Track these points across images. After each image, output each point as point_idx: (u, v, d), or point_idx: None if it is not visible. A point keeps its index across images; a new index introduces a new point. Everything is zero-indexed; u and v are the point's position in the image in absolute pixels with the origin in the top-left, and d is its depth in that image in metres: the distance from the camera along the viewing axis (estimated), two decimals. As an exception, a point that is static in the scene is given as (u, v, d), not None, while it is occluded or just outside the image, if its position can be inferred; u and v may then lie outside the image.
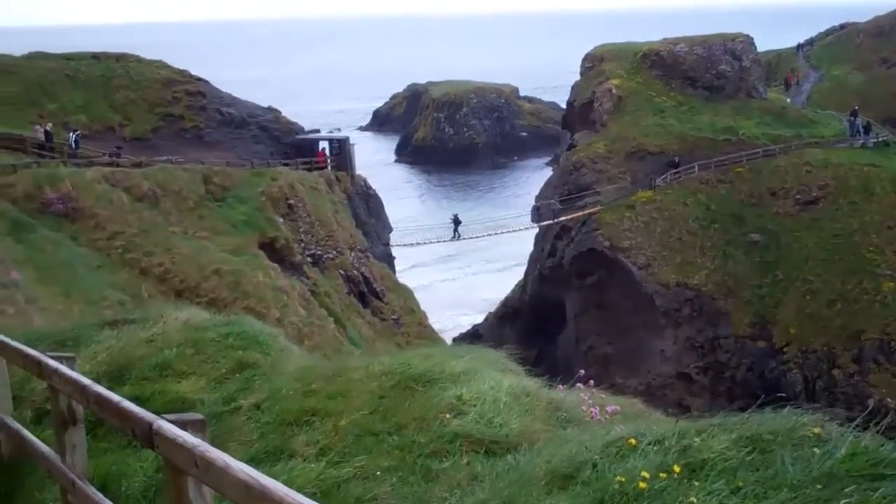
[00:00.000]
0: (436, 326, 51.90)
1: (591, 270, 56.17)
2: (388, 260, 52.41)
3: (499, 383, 6.53)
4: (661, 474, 3.85)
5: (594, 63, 69.08)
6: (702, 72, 65.33)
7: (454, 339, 58.59)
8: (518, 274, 70.27)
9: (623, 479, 4.01)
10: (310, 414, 6.58)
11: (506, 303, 67.10)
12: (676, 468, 3.84)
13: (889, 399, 46.56)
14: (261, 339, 8.93)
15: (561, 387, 7.09)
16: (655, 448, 4.10)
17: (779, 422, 4.47)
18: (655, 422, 5.92)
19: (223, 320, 9.68)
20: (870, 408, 47.24)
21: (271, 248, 39.63)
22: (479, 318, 69.39)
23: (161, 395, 7.47)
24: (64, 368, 4.72)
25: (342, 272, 43.71)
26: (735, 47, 65.98)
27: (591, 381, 7.23)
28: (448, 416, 6.08)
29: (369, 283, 45.29)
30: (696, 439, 4.06)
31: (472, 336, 66.97)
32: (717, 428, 4.17)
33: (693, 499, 3.76)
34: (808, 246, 54.11)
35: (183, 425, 3.42)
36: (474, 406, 6.17)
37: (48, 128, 40.94)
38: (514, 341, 62.87)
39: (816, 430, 4.57)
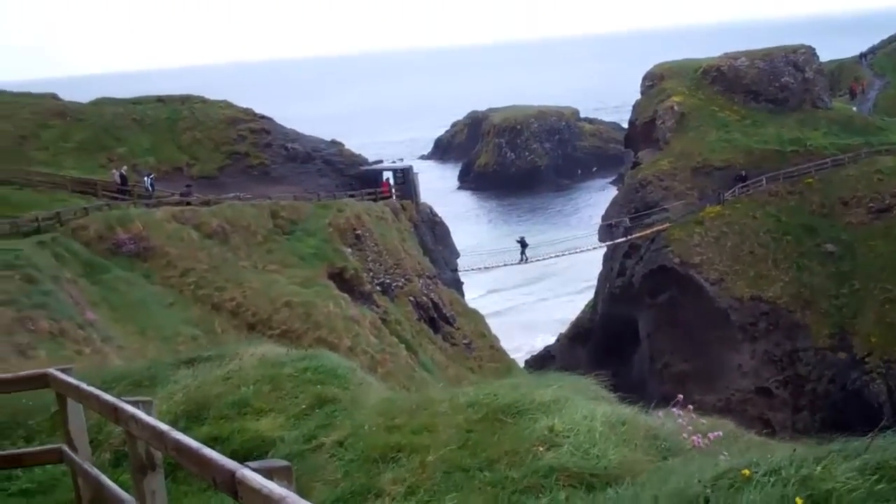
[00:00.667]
0: (508, 350, 51.54)
1: (663, 288, 55.39)
2: (457, 286, 52.30)
3: (592, 412, 6.24)
4: (784, 509, 3.57)
5: (655, 81, 68.51)
6: (765, 85, 64.37)
7: (526, 362, 58.13)
8: (588, 294, 69.63)
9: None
10: (395, 450, 6.37)
11: (577, 323, 66.44)
12: (799, 501, 3.55)
13: (979, 409, 44.95)
14: (339, 373, 8.76)
15: (659, 413, 6.77)
16: (772, 479, 3.81)
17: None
18: (766, 449, 5.57)
19: (300, 354, 9.55)
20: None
21: (340, 279, 39.78)
22: (551, 340, 68.82)
23: (240, 435, 7.35)
24: (141, 414, 4.62)
25: (412, 299, 43.70)
26: (797, 59, 64.99)
27: (690, 407, 6.91)
28: (541, 448, 5.80)
29: (439, 309, 45.19)
30: (816, 468, 3.75)
31: (544, 358, 66.46)
32: (837, 455, 3.87)
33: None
34: (884, 254, 52.77)
35: (268, 474, 3.25)
36: (568, 437, 5.88)
37: (123, 171, 41.91)
38: (587, 362, 62.31)
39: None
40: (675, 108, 62.75)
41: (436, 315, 45.14)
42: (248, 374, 8.89)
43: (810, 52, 65.59)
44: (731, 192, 56.72)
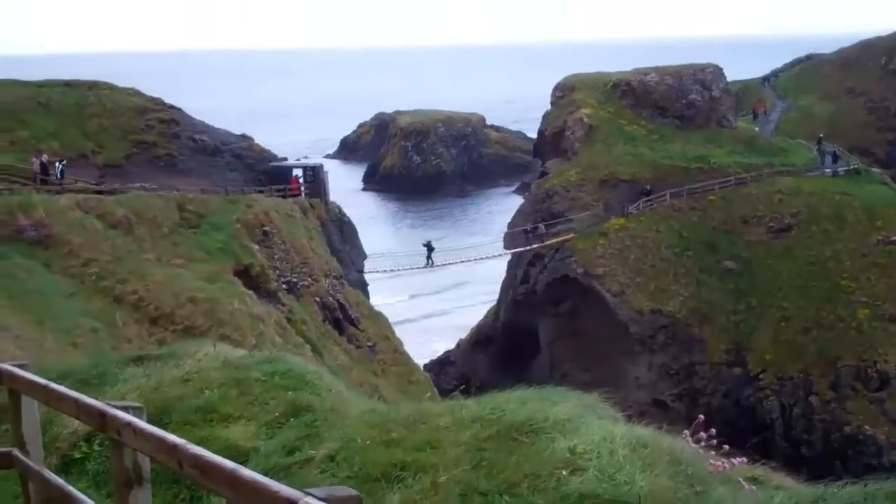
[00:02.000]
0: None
1: (565, 297, 55.98)
2: (363, 287, 51.74)
3: (611, 433, 5.93)
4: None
5: (565, 92, 69.28)
6: (672, 101, 65.77)
7: (424, 366, 57.92)
8: (486, 301, 69.94)
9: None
10: (398, 468, 5.84)
11: (478, 329, 66.63)
12: None
13: (867, 426, 46.64)
14: (308, 379, 8.28)
15: (686, 435, 6.51)
16: None
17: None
18: (791, 485, 5.34)
19: (264, 357, 9.01)
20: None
21: (246, 276, 38.81)
22: (450, 345, 68.86)
23: (209, 443, 6.75)
24: (141, 423, 4.15)
25: (317, 299, 42.98)
26: (705, 77, 66.57)
27: (713, 430, 6.71)
28: (564, 472, 5.44)
29: (345, 310, 44.57)
30: None
31: (443, 363, 66.52)
32: (883, 492, 3.69)
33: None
34: (782, 273, 54.31)
35: None
36: (591, 460, 5.55)
37: (44, 159, 40.02)
38: (487, 368, 62.62)
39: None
40: (585, 119, 63.52)
41: (341, 316, 44.50)
42: (210, 377, 8.32)
43: (718, 71, 67.32)
44: (635, 205, 57.67)
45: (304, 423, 7.14)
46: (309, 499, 2.91)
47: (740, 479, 4.60)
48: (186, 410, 7.67)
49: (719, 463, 6.05)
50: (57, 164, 40.59)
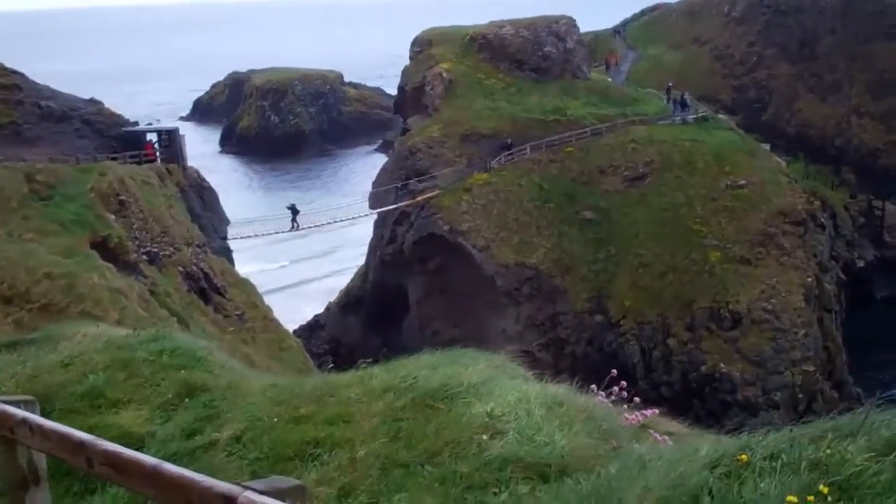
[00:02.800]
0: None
1: (432, 255, 56.21)
2: (227, 254, 50.64)
3: (525, 393, 5.87)
4: (808, 497, 3.39)
5: (423, 47, 69.04)
6: (528, 54, 66.35)
7: (294, 332, 57.33)
8: (354, 261, 69.69)
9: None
10: (312, 445, 5.65)
11: (347, 292, 66.32)
12: (824, 489, 3.40)
13: (722, 365, 48.85)
14: (199, 356, 7.92)
15: (595, 389, 6.51)
16: (776, 465, 3.65)
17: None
18: (678, 429, 5.40)
19: (149, 336, 8.53)
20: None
21: (104, 248, 37.34)
22: (319, 308, 68.38)
23: (100, 432, 6.27)
24: (39, 419, 3.84)
25: (181, 269, 41.78)
26: (559, 29, 67.34)
27: (624, 382, 6.77)
28: (484, 437, 5.33)
29: (209, 280, 43.52)
30: (823, 451, 3.62)
31: (313, 327, 66.04)
32: (831, 433, 3.77)
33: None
34: (638, 221, 55.94)
35: (280, 496, 2.65)
36: (509, 423, 5.49)
37: None
38: (359, 330, 62.51)
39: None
40: (444, 74, 63.48)
41: (206, 286, 43.44)
42: (93, 360, 7.84)
43: (571, 22, 68.18)
44: (497, 159, 58.19)
45: (202, 404, 6.83)
46: (249, 493, 2.70)
47: (651, 431, 4.67)
48: (70, 398, 7.22)
49: (632, 416, 6.16)
50: None
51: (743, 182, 55.70)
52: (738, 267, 52.04)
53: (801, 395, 48.31)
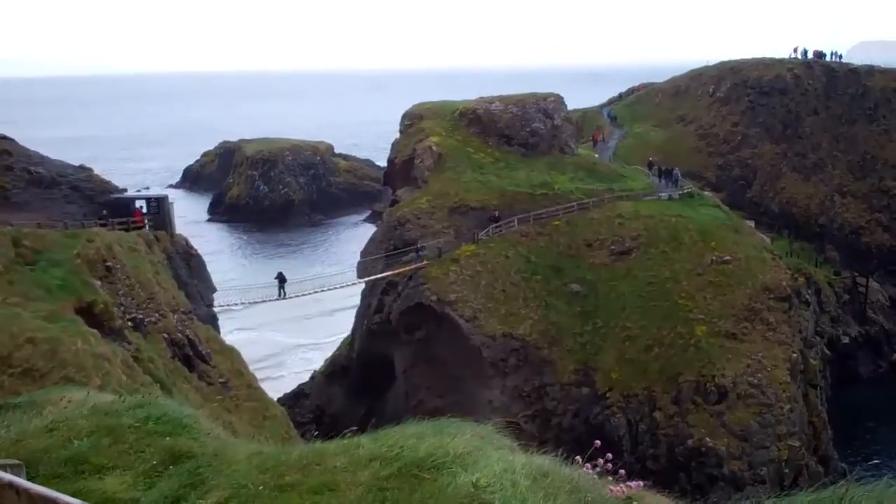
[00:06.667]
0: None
1: (419, 325, 56.15)
2: (213, 321, 50.43)
3: (511, 464, 5.89)
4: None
5: (413, 121, 69.97)
6: (517, 129, 67.38)
7: (279, 400, 56.89)
8: (338, 330, 69.56)
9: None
10: None
11: (333, 360, 66.04)
12: None
13: (708, 439, 48.59)
14: (185, 423, 7.88)
15: (580, 461, 6.51)
16: None
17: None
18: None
19: (135, 402, 8.50)
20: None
21: (89, 313, 37.14)
22: (304, 378, 68.03)
23: (83, 497, 6.23)
24: (24, 482, 3.85)
25: (166, 335, 41.57)
26: (547, 106, 68.52)
27: (609, 454, 6.78)
28: None
29: (194, 346, 43.28)
30: None
31: (298, 395, 65.57)
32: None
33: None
34: (625, 294, 56.15)
35: None
36: (494, 493, 5.48)
37: None
38: (343, 399, 62.09)
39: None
40: (434, 148, 64.27)
41: (191, 352, 43.19)
42: (77, 425, 7.79)
43: (559, 100, 69.42)
44: (485, 231, 58.60)
45: (187, 471, 6.78)
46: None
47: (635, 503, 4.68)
48: (54, 463, 7.16)
49: (617, 488, 6.16)
50: None
51: (728, 258, 56.12)
52: (723, 341, 52.13)
53: (786, 470, 48.02)
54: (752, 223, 66.54)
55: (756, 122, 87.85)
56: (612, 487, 6.19)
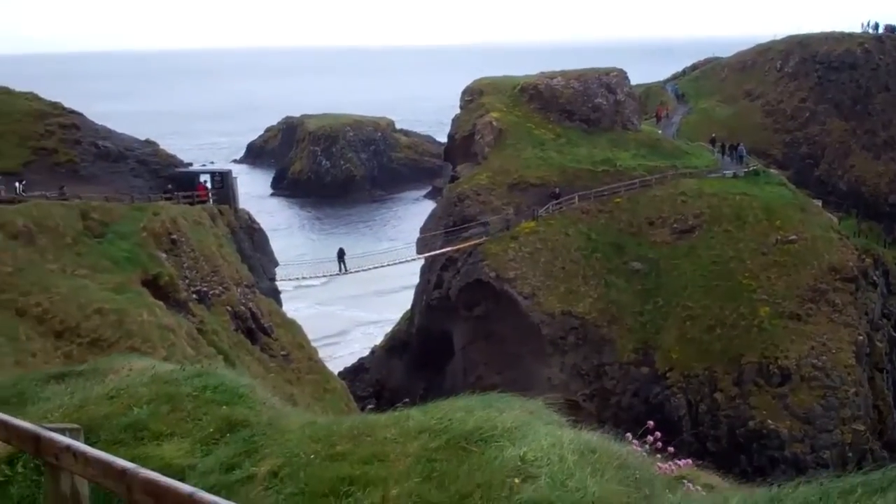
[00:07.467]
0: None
1: (478, 301, 56.21)
2: (275, 295, 51.11)
3: (559, 439, 5.91)
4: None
5: (473, 96, 69.69)
6: (578, 105, 66.71)
7: (339, 374, 57.58)
8: (399, 305, 69.92)
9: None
10: (346, 483, 5.74)
11: (393, 335, 66.52)
12: None
13: (769, 421, 48.02)
14: (241, 392, 8.07)
15: (630, 438, 6.53)
16: None
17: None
18: (718, 482, 5.40)
19: (194, 371, 8.72)
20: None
21: (155, 286, 37.94)
22: (365, 352, 68.70)
23: (142, 462, 6.43)
24: (84, 447, 3.97)
25: (229, 308, 42.25)
26: (610, 81, 67.67)
27: (658, 433, 6.78)
28: (516, 481, 5.42)
29: (257, 319, 43.95)
30: None
31: (358, 370, 66.21)
32: (861, 488, 3.78)
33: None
34: (687, 273, 55.52)
35: None
36: (541, 468, 5.53)
37: None
38: (402, 374, 62.57)
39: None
40: (494, 123, 64.00)
41: (254, 325, 43.88)
42: (138, 393, 8.02)
43: (622, 75, 68.52)
44: (545, 208, 58.32)
45: (242, 439, 6.95)
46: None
47: (686, 482, 4.66)
48: (115, 429, 7.38)
49: (665, 466, 6.15)
50: (16, 184, 40.36)
51: (794, 237, 55.13)
52: (787, 322, 51.36)
53: (850, 454, 47.28)
54: (818, 202, 65.21)
55: (825, 98, 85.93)
56: (660, 465, 6.17)
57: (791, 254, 54.51)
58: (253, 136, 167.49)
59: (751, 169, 63.86)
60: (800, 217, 57.62)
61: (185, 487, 3.36)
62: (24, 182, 41.55)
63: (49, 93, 52.03)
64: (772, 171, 67.59)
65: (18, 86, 51.88)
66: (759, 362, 50.12)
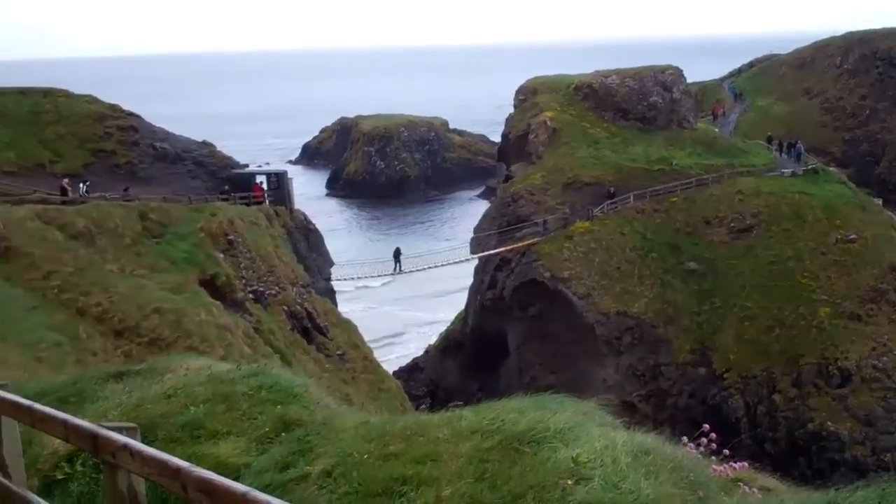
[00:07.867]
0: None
1: (532, 301, 56.05)
2: (331, 294, 51.46)
3: (612, 440, 5.89)
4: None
5: (527, 95, 69.55)
6: (634, 103, 66.22)
7: (394, 373, 57.82)
8: (453, 305, 69.97)
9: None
10: (399, 482, 5.78)
11: (447, 335, 66.60)
12: None
13: (829, 423, 47.17)
14: (296, 392, 8.16)
15: (686, 441, 6.48)
16: None
17: None
18: (775, 485, 5.33)
19: (250, 370, 8.82)
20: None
21: (212, 286, 38.43)
22: (419, 352, 68.89)
23: (198, 461, 6.51)
24: (139, 445, 4.04)
25: (285, 308, 42.66)
26: (665, 79, 67.06)
27: (714, 435, 6.72)
28: (569, 482, 5.42)
29: (313, 319, 44.31)
30: None
31: (413, 369, 66.43)
32: None
33: None
34: (744, 273, 54.81)
35: None
36: (594, 469, 5.51)
37: (65, 183, 40.81)
38: (457, 374, 62.60)
39: None
40: (548, 123, 63.79)
41: (309, 325, 44.24)
42: (195, 392, 8.15)
43: (678, 73, 67.85)
44: (599, 207, 57.98)
45: (296, 438, 7.01)
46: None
47: (743, 484, 4.59)
48: (172, 427, 7.50)
49: (721, 468, 6.06)
50: (81, 185, 41.53)
51: (854, 236, 54.10)
52: (847, 323, 50.42)
53: (913, 459, 46.25)
54: (879, 201, 63.88)
55: (885, 95, 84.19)
56: (715, 467, 6.09)
57: (851, 253, 53.51)
58: (308, 138, 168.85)
59: (809, 167, 62.83)
60: (860, 216, 56.56)
61: (239, 486, 3.40)
62: (88, 183, 42.37)
63: (105, 96, 52.86)
64: (831, 169, 66.43)
65: (75, 89, 52.75)
66: (819, 363, 49.29)
